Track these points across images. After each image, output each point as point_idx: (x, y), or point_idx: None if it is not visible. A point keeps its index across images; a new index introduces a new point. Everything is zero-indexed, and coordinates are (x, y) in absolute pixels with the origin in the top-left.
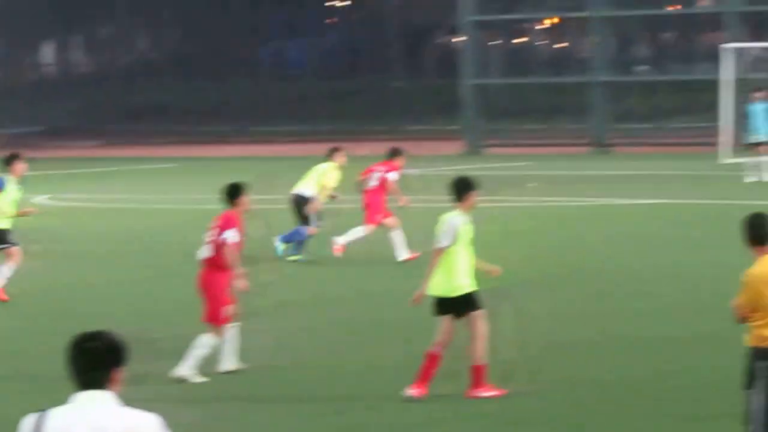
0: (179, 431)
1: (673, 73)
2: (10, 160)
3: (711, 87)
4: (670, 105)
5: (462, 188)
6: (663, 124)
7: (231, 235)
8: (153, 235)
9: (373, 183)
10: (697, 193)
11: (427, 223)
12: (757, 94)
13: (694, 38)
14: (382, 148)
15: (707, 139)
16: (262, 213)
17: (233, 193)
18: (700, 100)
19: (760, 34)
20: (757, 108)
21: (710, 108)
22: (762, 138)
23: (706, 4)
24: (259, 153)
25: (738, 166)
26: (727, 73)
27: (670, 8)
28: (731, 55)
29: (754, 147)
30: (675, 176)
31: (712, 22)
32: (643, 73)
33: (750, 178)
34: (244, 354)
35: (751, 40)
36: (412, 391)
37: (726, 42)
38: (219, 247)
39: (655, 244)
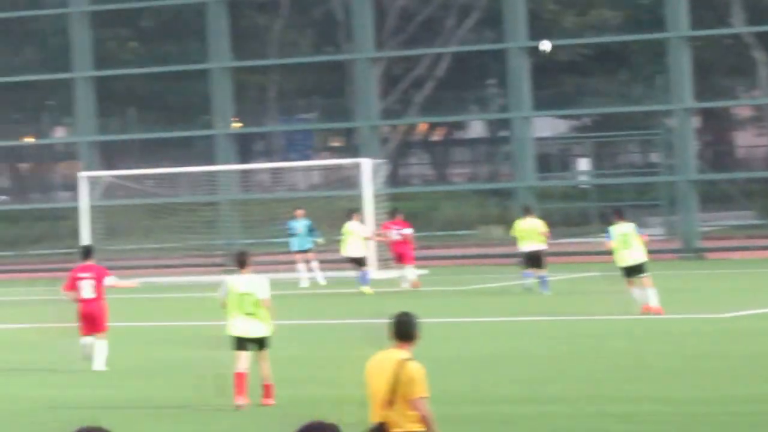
0: None
1: (32, 203)
2: None
3: (71, 214)
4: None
5: None
6: (24, 252)
7: None
8: None
9: None
10: None
11: None
12: (298, 212)
13: (52, 168)
14: None
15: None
16: None
17: None
18: (61, 226)
19: (114, 163)
20: (298, 224)
21: (72, 235)
22: (306, 247)
23: (61, 135)
24: None
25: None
26: (85, 200)
27: (26, 139)
28: (86, 183)
29: (302, 254)
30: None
31: (68, 152)
32: (3, 202)
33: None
34: None
35: (105, 168)
36: None
37: (82, 171)
38: None
39: None
